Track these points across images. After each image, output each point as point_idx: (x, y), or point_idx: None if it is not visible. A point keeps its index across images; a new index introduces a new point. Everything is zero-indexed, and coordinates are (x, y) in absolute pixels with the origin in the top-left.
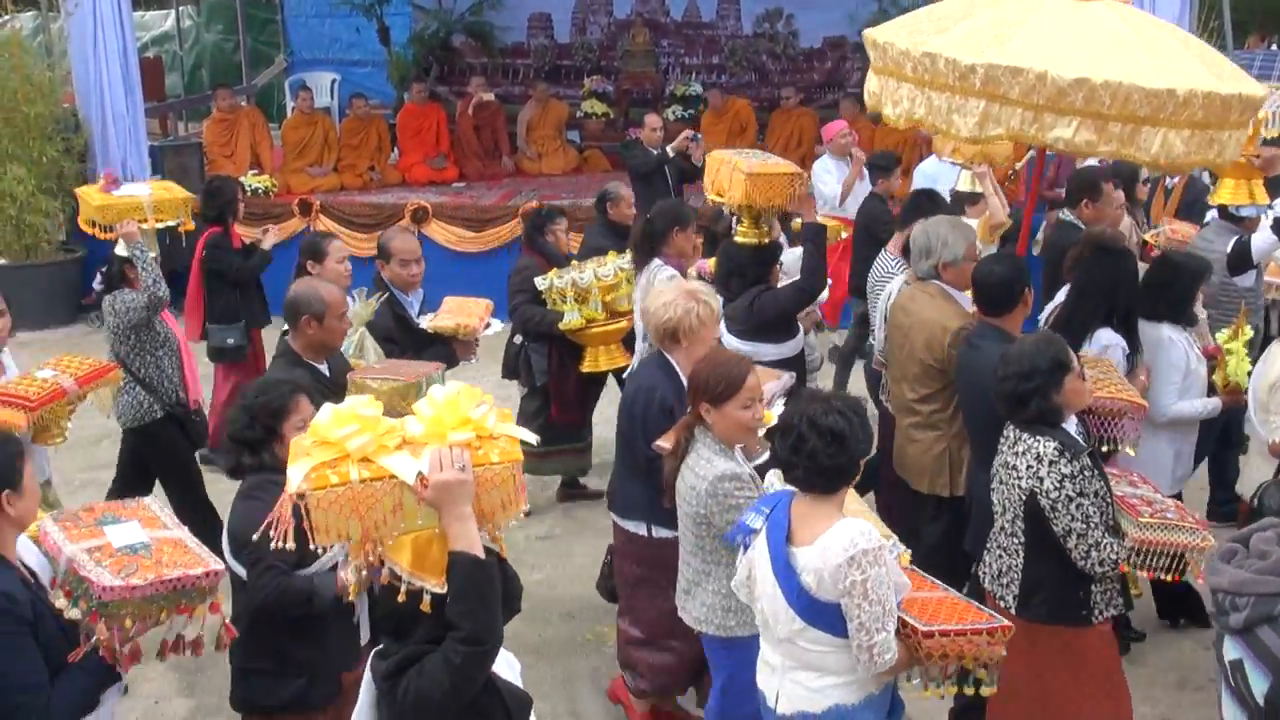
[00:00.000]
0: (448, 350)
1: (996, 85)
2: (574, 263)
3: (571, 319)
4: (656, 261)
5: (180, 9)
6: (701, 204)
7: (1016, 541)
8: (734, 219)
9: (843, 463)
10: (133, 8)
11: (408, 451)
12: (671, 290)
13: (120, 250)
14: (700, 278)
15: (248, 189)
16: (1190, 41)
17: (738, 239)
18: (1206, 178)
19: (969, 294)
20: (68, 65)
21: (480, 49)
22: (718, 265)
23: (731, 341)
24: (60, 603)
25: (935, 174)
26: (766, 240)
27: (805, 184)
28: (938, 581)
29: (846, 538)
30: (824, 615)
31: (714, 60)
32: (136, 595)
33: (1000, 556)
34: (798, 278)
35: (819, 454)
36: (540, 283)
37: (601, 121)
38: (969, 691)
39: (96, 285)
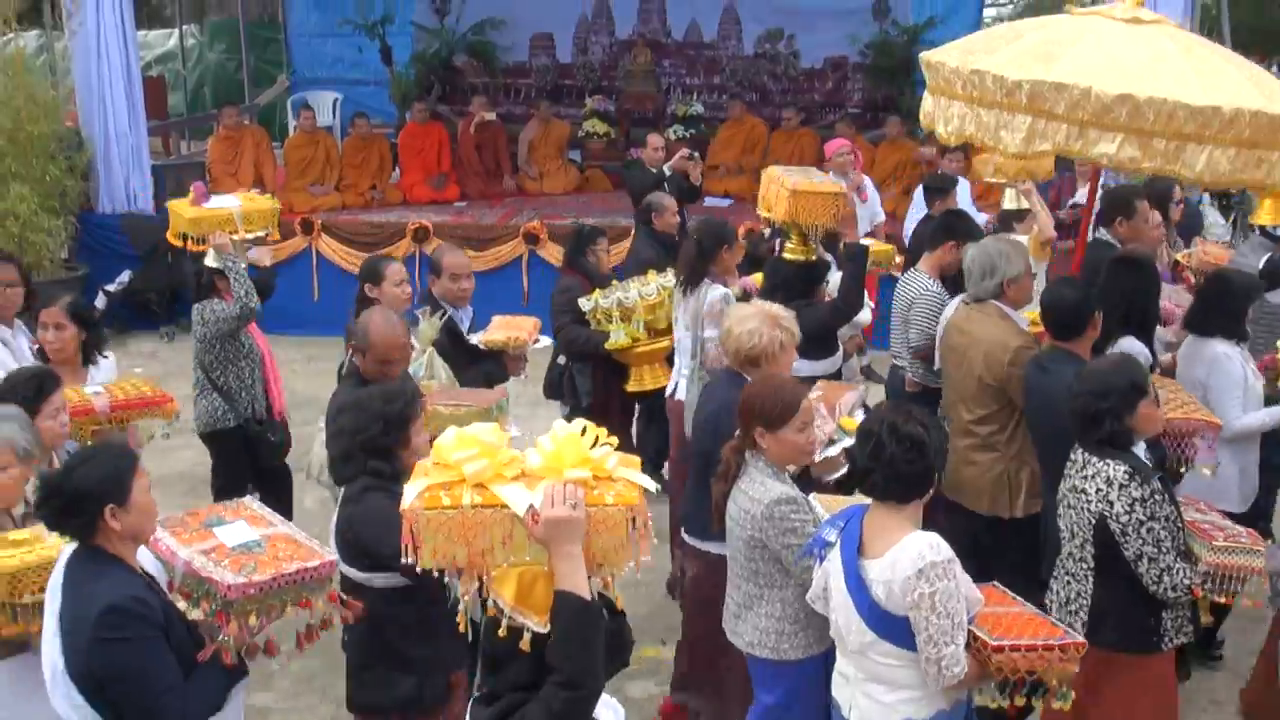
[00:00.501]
0: (499, 365)
1: (1042, 101)
2: (615, 282)
3: (618, 338)
4: (706, 281)
5: (184, 28)
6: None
7: (1085, 567)
8: (780, 236)
9: (920, 470)
10: (136, 27)
11: (523, 484)
12: (754, 315)
13: (211, 262)
14: (745, 294)
15: None
16: (1241, 62)
17: (785, 255)
18: (1208, 199)
19: (1024, 313)
20: (71, 84)
21: (482, 69)
22: (765, 280)
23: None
24: (180, 605)
25: None
26: (813, 258)
27: (849, 204)
28: (1018, 597)
29: (915, 550)
30: (894, 628)
31: (715, 80)
32: (259, 591)
33: (1068, 583)
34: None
35: (898, 460)
36: (585, 303)
37: (603, 141)
38: (1037, 704)
39: (98, 304)
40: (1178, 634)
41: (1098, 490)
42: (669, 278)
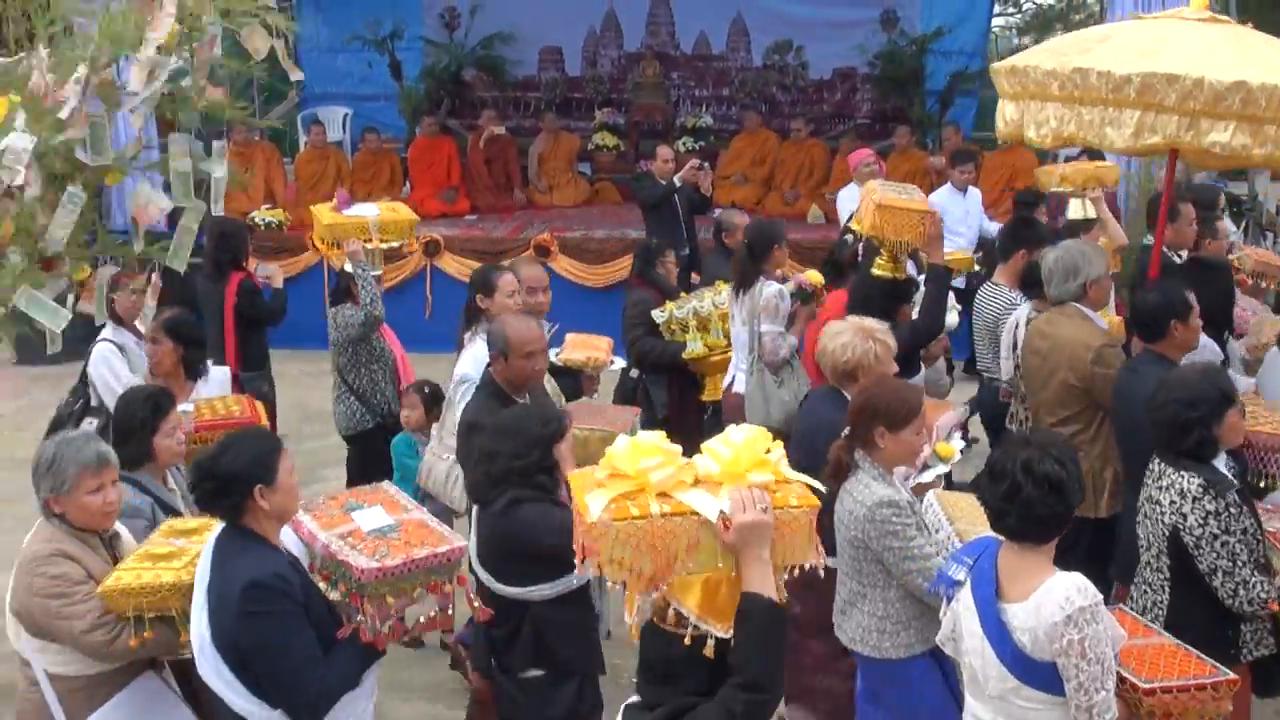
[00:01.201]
0: (575, 383)
1: (1153, 94)
2: (683, 294)
3: (695, 348)
4: (760, 279)
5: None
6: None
7: (1161, 577)
8: (858, 243)
9: (1059, 511)
10: None
11: (705, 490)
12: (847, 329)
13: (346, 267)
14: (800, 289)
15: (260, 223)
16: None
17: (874, 270)
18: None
19: (1103, 316)
20: None
21: (491, 82)
22: (851, 293)
23: None
24: (320, 586)
25: (944, 205)
26: (902, 276)
27: (937, 223)
28: (1151, 625)
29: (1062, 595)
30: (1039, 674)
31: (724, 92)
32: (391, 575)
33: (1146, 592)
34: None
35: (1035, 503)
36: (659, 315)
37: (613, 154)
38: None
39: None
40: (1257, 646)
41: (1171, 502)
42: (725, 292)
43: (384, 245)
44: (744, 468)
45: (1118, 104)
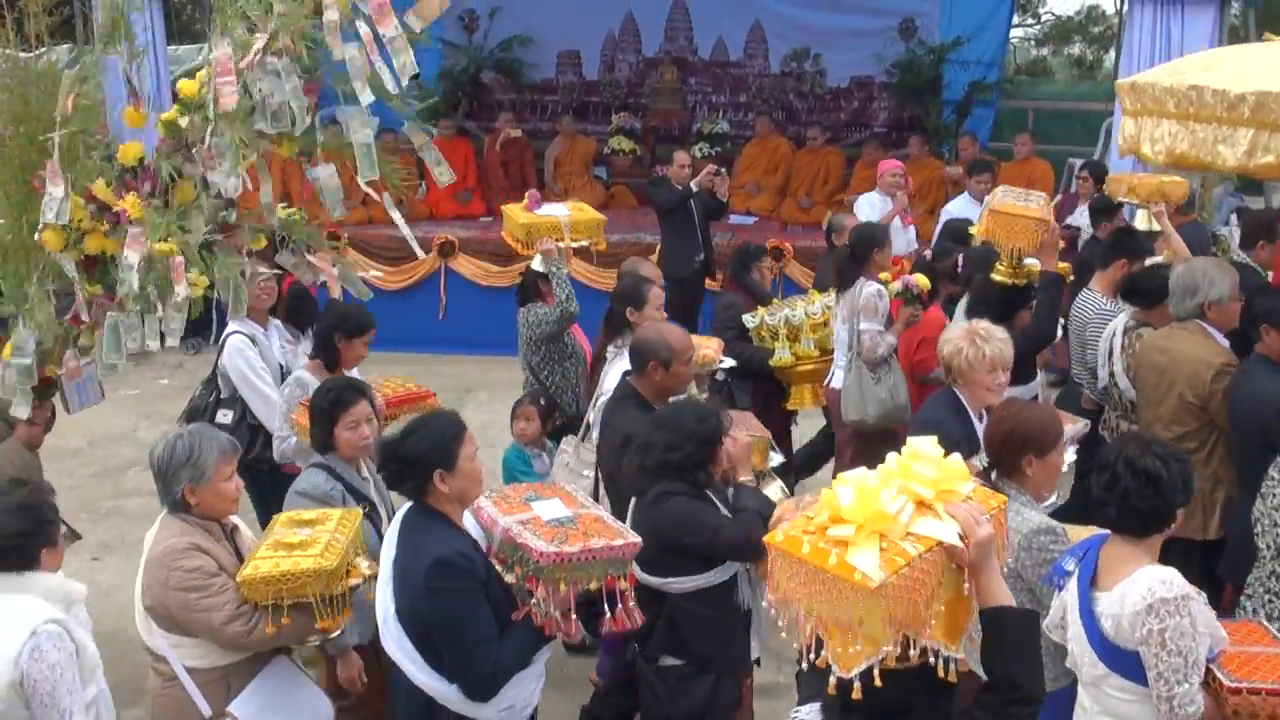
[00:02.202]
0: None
1: (1267, 113)
2: (776, 300)
3: (783, 356)
4: (862, 279)
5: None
6: (728, 240)
7: None
8: (961, 259)
9: (1156, 505)
10: (167, 42)
11: (929, 516)
12: (960, 328)
13: (537, 266)
14: (906, 289)
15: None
16: None
17: (993, 276)
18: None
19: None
20: (102, 98)
21: (509, 85)
22: (968, 299)
23: None
24: (497, 569)
25: (961, 215)
26: (1021, 283)
27: (1052, 231)
28: None
29: (1145, 585)
30: (1125, 662)
31: (741, 98)
32: (568, 562)
33: (1270, 601)
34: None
35: (1131, 495)
36: (749, 320)
37: (629, 158)
38: None
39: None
40: None
41: None
42: (830, 297)
43: (574, 244)
44: (954, 481)
45: (1232, 122)
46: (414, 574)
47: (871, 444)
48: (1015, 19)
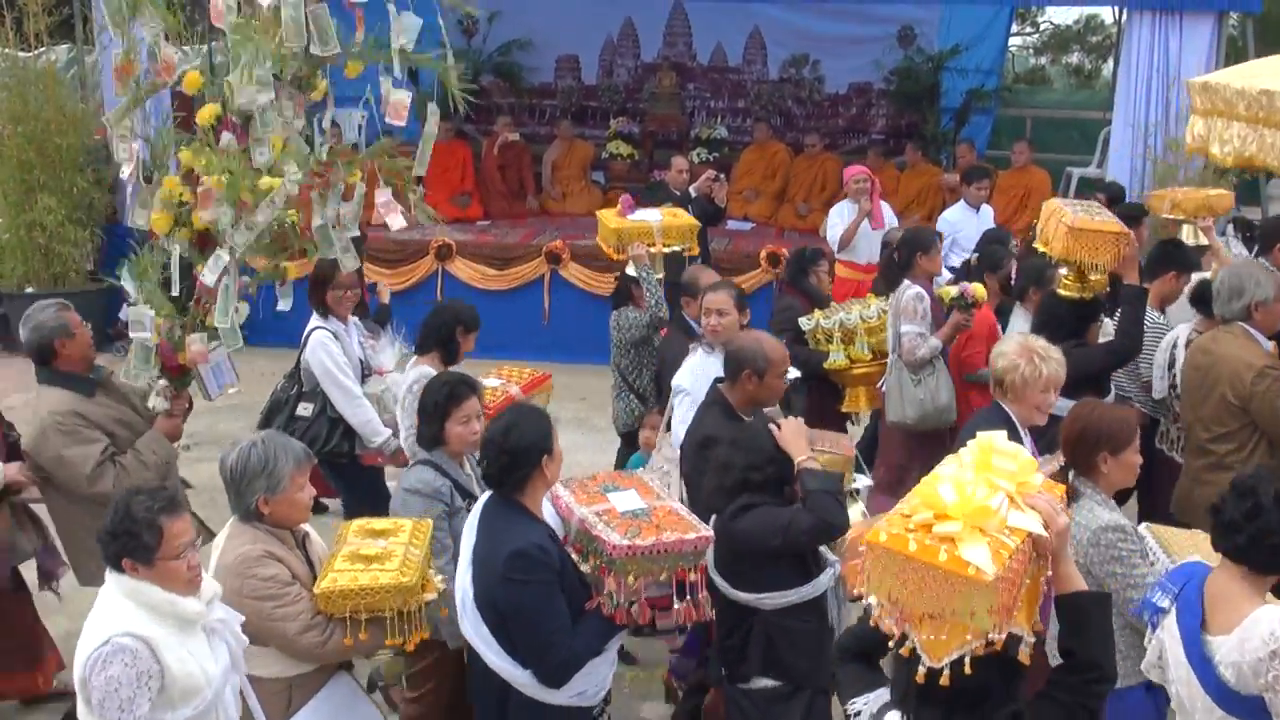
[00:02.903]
0: None
1: None
2: (832, 304)
3: (837, 359)
4: (905, 282)
5: (213, 44)
6: (725, 245)
7: None
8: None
9: None
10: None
11: (1015, 508)
12: (1013, 343)
13: (629, 270)
14: (961, 296)
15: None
16: None
17: (1060, 291)
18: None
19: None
20: (100, 98)
21: (508, 89)
22: (1037, 315)
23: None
24: (573, 558)
25: (958, 222)
26: (1089, 296)
27: (1132, 245)
28: None
29: (1267, 629)
30: (1247, 706)
31: (739, 104)
32: (640, 554)
33: None
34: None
35: (1274, 530)
36: (805, 323)
37: (627, 162)
38: None
39: (123, 316)
40: None
41: None
42: (888, 302)
43: (666, 249)
44: (1029, 473)
45: None
46: (492, 563)
47: (920, 445)
48: (1014, 28)
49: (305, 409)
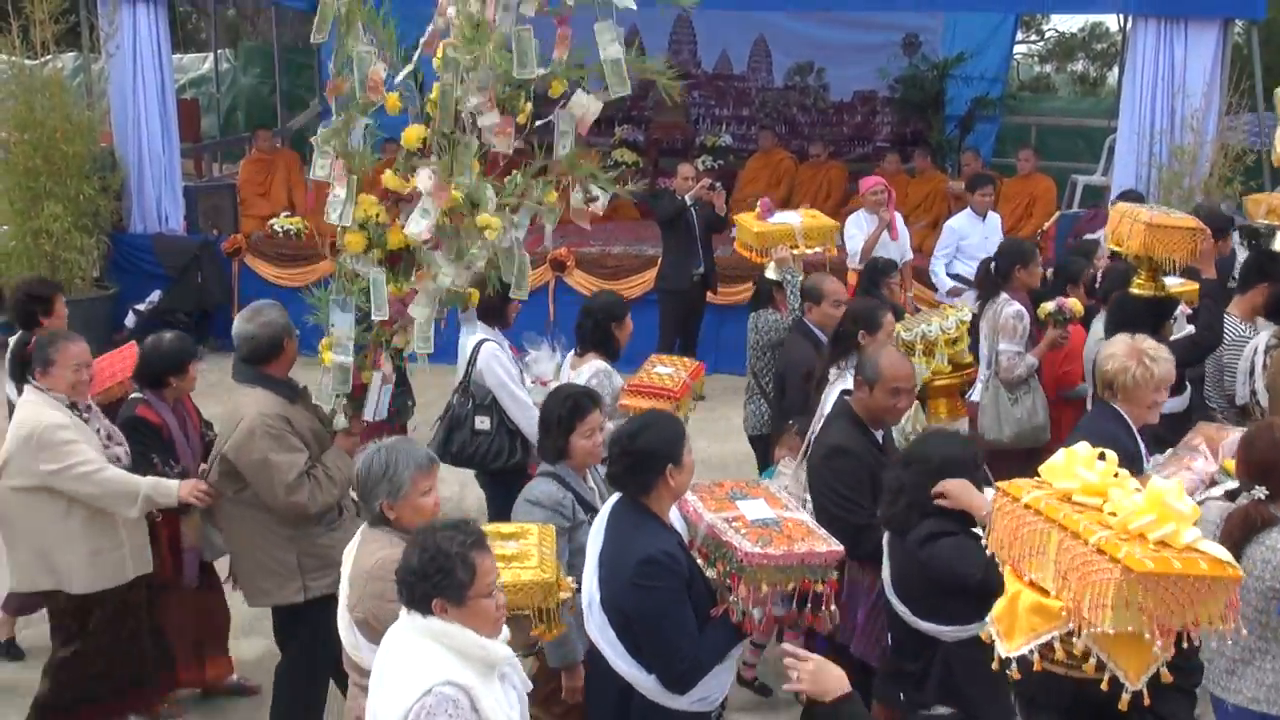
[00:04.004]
0: None
1: None
2: (906, 315)
3: (922, 372)
4: (1003, 296)
5: (218, 52)
6: (732, 252)
7: None
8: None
9: None
10: (172, 50)
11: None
12: (1121, 345)
13: (770, 274)
14: (1059, 311)
15: (279, 230)
16: None
17: (1133, 290)
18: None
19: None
20: (106, 105)
21: None
22: (1109, 314)
23: None
24: (699, 563)
25: (964, 229)
26: (1162, 293)
27: (1207, 240)
28: None
29: None
30: None
31: (744, 112)
32: (771, 563)
33: None
34: (1190, 331)
35: None
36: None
37: (631, 170)
38: None
39: (129, 323)
40: None
41: None
42: (966, 313)
43: (808, 251)
44: (1179, 496)
45: None
46: (621, 568)
47: (1010, 462)
48: (1019, 35)
49: (483, 423)
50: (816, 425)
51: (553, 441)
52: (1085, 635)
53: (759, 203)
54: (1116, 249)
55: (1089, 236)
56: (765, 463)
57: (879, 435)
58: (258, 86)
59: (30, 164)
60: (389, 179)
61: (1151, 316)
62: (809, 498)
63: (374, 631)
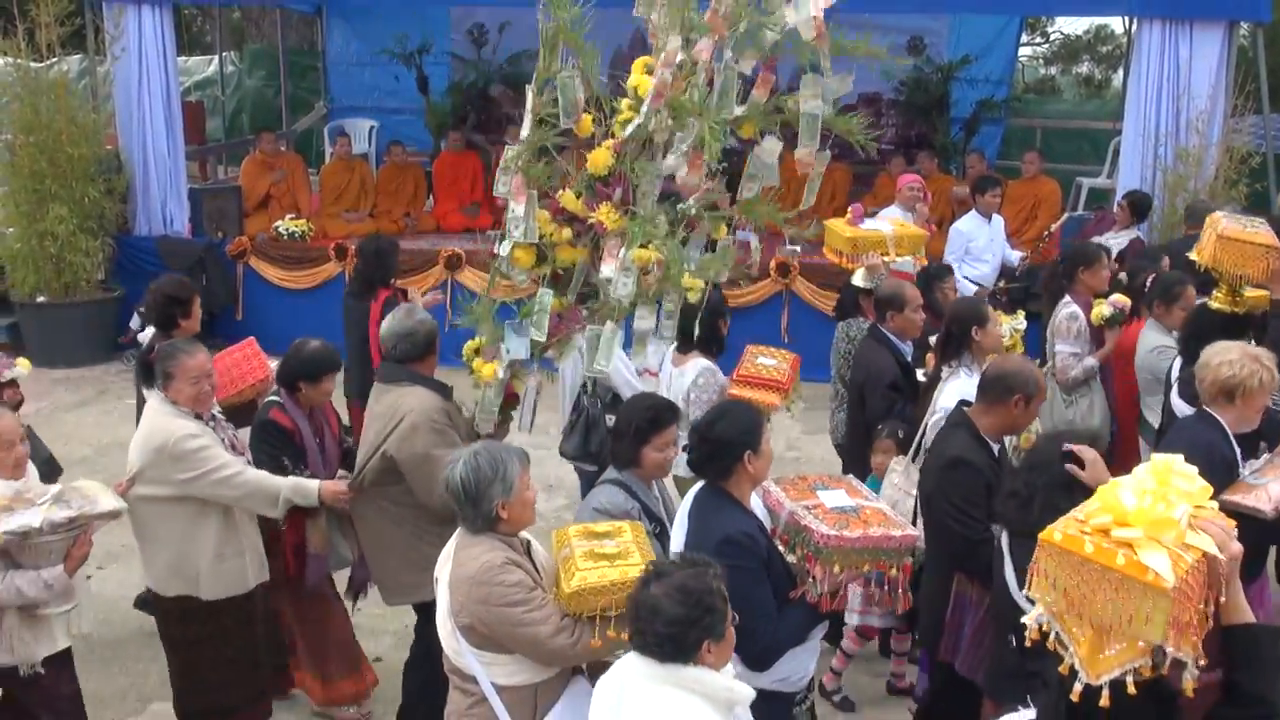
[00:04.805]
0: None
1: None
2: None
3: None
4: (1066, 299)
5: (223, 55)
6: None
7: None
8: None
9: None
10: (177, 53)
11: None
12: (1235, 349)
13: (858, 281)
14: (1118, 311)
15: (284, 233)
16: None
17: (1211, 304)
18: None
19: None
20: (112, 108)
21: (518, 99)
22: (1184, 326)
23: (1181, 407)
24: (780, 549)
25: (970, 232)
26: (1240, 310)
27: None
28: None
29: None
30: None
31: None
32: (847, 545)
33: None
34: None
35: None
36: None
37: None
38: None
39: (134, 325)
40: None
41: None
42: (1020, 320)
43: (898, 259)
44: (1204, 496)
45: None
46: (704, 550)
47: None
48: (1024, 38)
49: (611, 420)
50: (929, 420)
51: (625, 449)
52: (1038, 607)
53: (850, 209)
54: (1196, 258)
55: (1097, 240)
56: (853, 470)
57: (995, 448)
58: (262, 89)
59: (36, 166)
60: (567, 199)
61: (1226, 334)
62: (916, 493)
63: (479, 636)
